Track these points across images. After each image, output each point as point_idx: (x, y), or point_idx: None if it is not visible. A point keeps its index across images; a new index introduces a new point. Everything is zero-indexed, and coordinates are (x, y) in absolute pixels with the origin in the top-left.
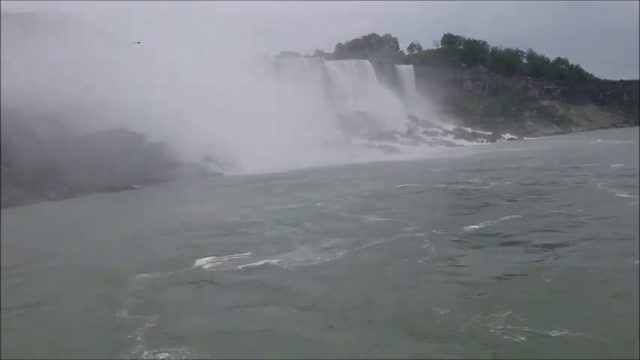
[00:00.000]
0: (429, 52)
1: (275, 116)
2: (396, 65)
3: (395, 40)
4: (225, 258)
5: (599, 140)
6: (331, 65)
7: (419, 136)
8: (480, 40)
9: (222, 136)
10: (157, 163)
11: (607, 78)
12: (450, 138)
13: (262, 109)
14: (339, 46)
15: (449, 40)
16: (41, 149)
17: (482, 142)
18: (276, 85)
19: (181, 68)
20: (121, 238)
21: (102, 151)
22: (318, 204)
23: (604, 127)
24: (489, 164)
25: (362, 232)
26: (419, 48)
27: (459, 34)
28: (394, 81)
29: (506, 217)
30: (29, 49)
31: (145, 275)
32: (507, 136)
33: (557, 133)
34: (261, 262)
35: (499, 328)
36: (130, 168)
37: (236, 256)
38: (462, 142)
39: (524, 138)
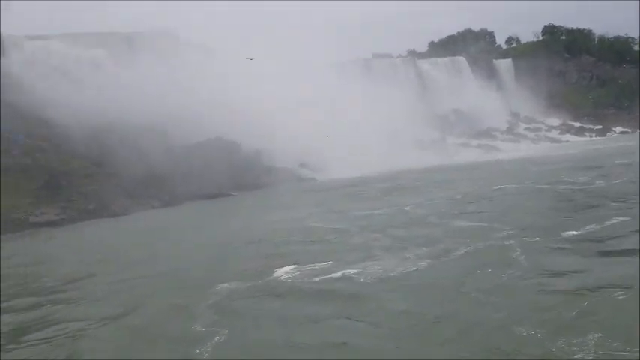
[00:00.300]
0: (529, 44)
1: (367, 118)
2: (494, 60)
3: (491, 35)
4: (306, 267)
5: None
6: (424, 64)
7: (520, 133)
8: (584, 29)
9: (315, 141)
10: (252, 170)
11: None
12: (554, 134)
13: (354, 112)
14: (432, 45)
15: (550, 30)
16: (145, 160)
17: (590, 136)
18: (367, 87)
19: (274, 75)
20: (209, 245)
21: (200, 160)
22: (407, 208)
23: None
24: (597, 161)
25: (449, 239)
26: (517, 41)
27: (562, 24)
28: (492, 76)
29: (613, 221)
30: (133, 65)
31: (225, 285)
32: (619, 129)
33: None
34: (341, 273)
35: (586, 353)
36: (227, 175)
37: (316, 265)
38: (568, 137)
39: (638, 131)
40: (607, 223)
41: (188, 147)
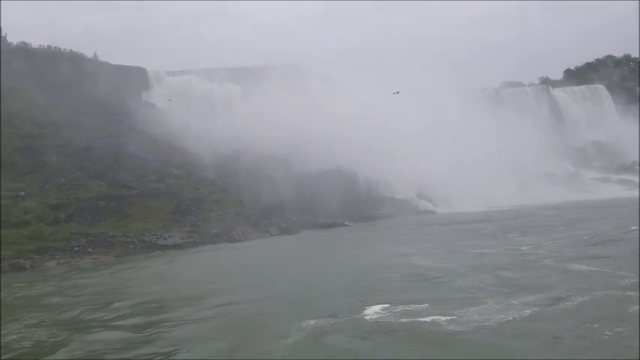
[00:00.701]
0: None
1: (494, 150)
2: (638, 87)
3: (635, 61)
4: (398, 308)
5: None
6: (559, 93)
7: None
8: None
9: (436, 173)
10: (369, 201)
11: None
12: None
13: (480, 143)
14: (568, 72)
15: None
16: (267, 188)
17: None
18: (496, 118)
19: (392, 105)
20: (308, 278)
21: (319, 189)
22: (524, 248)
23: None
24: None
25: (563, 285)
26: None
27: None
28: (636, 105)
29: None
30: (261, 97)
31: (311, 322)
32: None
33: None
34: (433, 317)
35: None
36: (344, 205)
37: (410, 306)
38: None
39: None
40: None
41: (308, 176)
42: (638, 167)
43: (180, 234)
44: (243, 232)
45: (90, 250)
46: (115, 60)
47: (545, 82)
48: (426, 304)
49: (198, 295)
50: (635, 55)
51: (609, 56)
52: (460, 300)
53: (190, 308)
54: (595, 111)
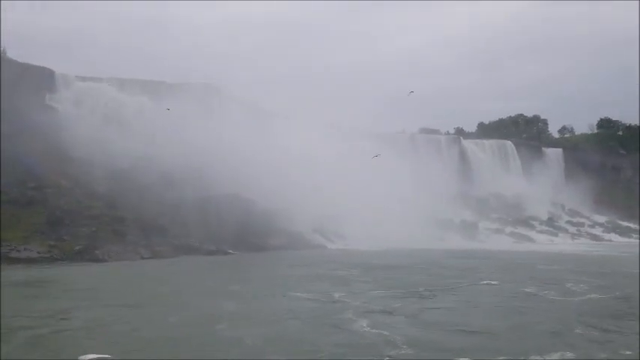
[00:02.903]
0: (583, 136)
1: (398, 192)
2: (544, 148)
3: (544, 122)
4: None
5: None
6: (469, 144)
7: (561, 226)
8: None
9: (339, 209)
10: (262, 231)
11: None
12: (598, 231)
13: (388, 184)
14: (482, 126)
15: (606, 124)
16: (157, 209)
17: (637, 238)
18: (407, 161)
19: (308, 138)
20: (101, 318)
21: (212, 214)
22: (337, 295)
23: None
24: (616, 268)
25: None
26: (571, 131)
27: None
28: (540, 164)
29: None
30: (171, 113)
31: None
32: None
33: None
34: None
35: None
36: (235, 233)
37: None
38: (612, 236)
39: None
40: None
41: (203, 199)
42: (531, 222)
43: (40, 247)
44: (108, 252)
45: None
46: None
47: (460, 132)
48: None
49: None
50: (543, 116)
51: (520, 115)
52: None
53: None
54: (501, 165)
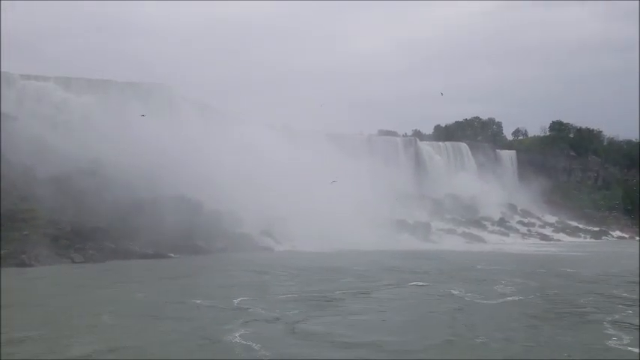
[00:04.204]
0: (535, 138)
1: (354, 194)
2: (497, 150)
3: (499, 125)
4: None
5: None
6: (425, 146)
7: (512, 226)
8: (594, 129)
9: (288, 210)
10: (207, 233)
11: None
12: (548, 231)
13: (341, 186)
14: (438, 128)
15: (558, 127)
16: (99, 211)
17: (585, 238)
18: (363, 163)
19: (261, 139)
20: None
21: (153, 217)
22: (236, 302)
23: None
24: (553, 267)
25: None
26: (525, 134)
27: (571, 122)
28: (493, 166)
29: None
30: (119, 114)
31: None
32: (617, 233)
33: None
34: None
35: None
36: (176, 236)
37: None
38: (561, 236)
39: (637, 237)
40: None
41: (147, 201)
42: (484, 222)
43: None
44: (37, 256)
45: None
46: None
47: (417, 134)
48: None
49: None
50: (498, 119)
51: (476, 118)
52: None
53: None
54: (456, 166)
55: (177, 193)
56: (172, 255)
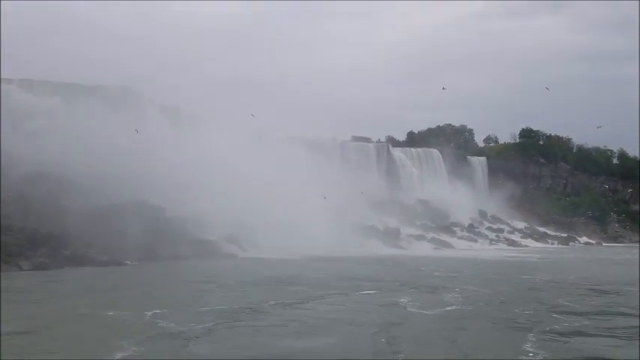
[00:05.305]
0: (506, 145)
1: (323, 200)
2: (468, 157)
3: (470, 132)
4: None
5: None
6: (397, 152)
7: (481, 232)
8: (564, 137)
9: (256, 216)
10: (169, 240)
11: None
12: (516, 237)
13: (313, 191)
14: (411, 134)
15: (528, 134)
16: (49, 218)
17: (552, 243)
18: (335, 169)
19: (231, 144)
20: None
21: (113, 223)
22: (149, 314)
23: None
24: (510, 273)
25: None
26: (495, 141)
27: (541, 129)
28: (465, 172)
29: None
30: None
31: None
32: (584, 239)
33: None
34: None
35: None
36: (135, 242)
37: None
38: (529, 242)
39: (604, 244)
40: None
41: (108, 207)
42: (453, 228)
43: None
44: None
45: None
46: None
47: (390, 141)
48: None
49: None
50: (470, 126)
51: (449, 125)
52: None
53: None
54: (427, 172)
55: (140, 198)
56: (129, 262)
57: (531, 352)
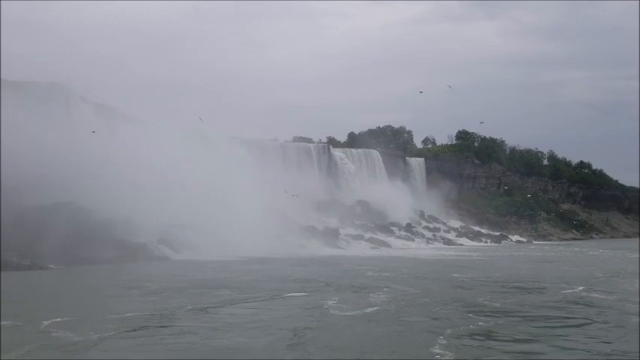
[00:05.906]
0: (443, 146)
1: (264, 200)
2: (407, 158)
3: (410, 133)
4: None
5: (602, 250)
6: (338, 153)
7: (418, 231)
8: (497, 139)
9: (191, 217)
10: (96, 242)
11: (633, 185)
12: (452, 235)
13: (252, 192)
14: (352, 135)
15: (463, 136)
16: None
17: (486, 242)
18: (274, 170)
19: (167, 144)
20: None
21: (36, 225)
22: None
23: (628, 236)
24: (442, 271)
25: None
26: (433, 142)
27: (477, 132)
28: (404, 173)
29: None
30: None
31: None
32: (516, 237)
33: (576, 239)
34: None
35: None
36: (60, 245)
37: None
38: (464, 240)
39: (534, 242)
40: None
41: (28, 208)
42: (392, 228)
43: None
44: None
45: None
46: None
47: (331, 141)
48: None
49: None
50: (409, 128)
51: (389, 126)
52: None
53: None
54: (368, 173)
55: (67, 199)
56: (52, 266)
57: (438, 355)
